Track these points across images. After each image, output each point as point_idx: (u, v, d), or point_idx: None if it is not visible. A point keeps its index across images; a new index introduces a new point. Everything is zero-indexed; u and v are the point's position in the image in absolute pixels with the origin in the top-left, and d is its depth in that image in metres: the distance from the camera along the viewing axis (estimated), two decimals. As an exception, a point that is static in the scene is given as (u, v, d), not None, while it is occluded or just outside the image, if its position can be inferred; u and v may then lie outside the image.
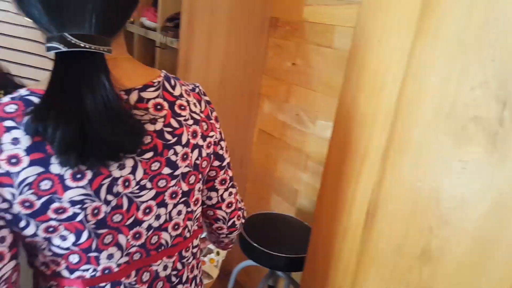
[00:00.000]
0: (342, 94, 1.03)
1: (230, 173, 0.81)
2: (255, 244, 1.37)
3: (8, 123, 0.51)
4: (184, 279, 0.74)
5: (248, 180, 2.10)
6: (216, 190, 0.80)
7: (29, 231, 0.55)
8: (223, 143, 0.77)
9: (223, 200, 0.81)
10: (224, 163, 0.79)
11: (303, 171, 1.74)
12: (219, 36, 1.69)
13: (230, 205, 0.82)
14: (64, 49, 0.48)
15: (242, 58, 1.80)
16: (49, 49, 0.49)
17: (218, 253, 1.25)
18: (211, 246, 1.16)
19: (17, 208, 0.52)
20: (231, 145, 1.91)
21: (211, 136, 0.71)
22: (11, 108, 0.52)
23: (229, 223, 0.84)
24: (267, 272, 1.57)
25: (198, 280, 0.80)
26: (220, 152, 0.76)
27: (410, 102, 0.87)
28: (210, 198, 0.80)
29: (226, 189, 0.81)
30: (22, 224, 0.54)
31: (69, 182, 0.53)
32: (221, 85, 1.79)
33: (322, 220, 1.13)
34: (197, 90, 0.72)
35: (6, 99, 0.53)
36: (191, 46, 1.64)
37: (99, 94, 0.50)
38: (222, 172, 0.79)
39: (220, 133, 0.76)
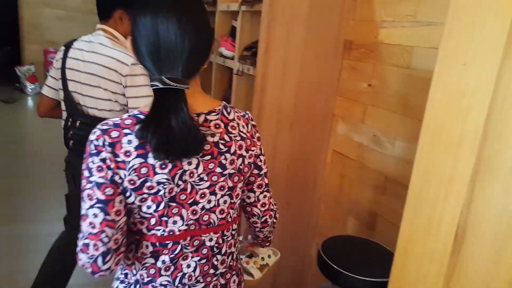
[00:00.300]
0: (427, 116, 1.02)
1: (266, 180, 1.03)
2: (335, 267, 1.37)
3: (126, 130, 0.81)
4: (222, 251, 0.97)
5: (322, 201, 2.10)
6: (254, 192, 1.02)
7: (130, 199, 0.83)
8: (262, 157, 0.99)
9: (258, 200, 1.03)
10: (262, 172, 1.00)
11: (382, 194, 1.71)
12: (294, 61, 1.76)
13: (264, 205, 1.04)
14: (161, 86, 0.77)
15: (315, 81, 1.85)
16: (152, 86, 0.78)
17: (269, 257, 1.36)
18: (258, 250, 1.30)
19: (125, 184, 0.81)
20: (304, 166, 1.95)
21: (253, 150, 0.95)
22: (128, 121, 0.82)
23: (262, 219, 1.06)
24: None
25: (234, 256, 1.01)
26: (259, 163, 0.99)
27: (499, 123, 0.85)
28: (249, 197, 1.03)
29: (261, 192, 1.02)
30: (127, 194, 0.82)
31: (157, 170, 0.81)
32: (295, 108, 1.85)
33: (406, 244, 1.11)
34: (246, 116, 0.97)
35: (126, 115, 0.83)
36: (267, 73, 1.74)
37: (180, 116, 0.77)
38: (259, 178, 1.01)
39: (260, 149, 0.98)
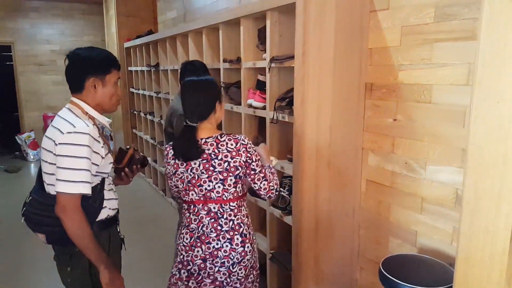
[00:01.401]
0: (471, 144, 1.25)
1: (262, 174, 1.62)
2: (402, 283, 1.55)
3: (170, 147, 1.63)
4: (224, 217, 1.59)
5: (361, 227, 2.29)
6: (256, 183, 1.63)
7: (173, 181, 1.66)
8: (254, 163, 1.59)
9: (260, 188, 1.63)
10: (257, 171, 1.60)
11: (420, 213, 1.92)
12: (325, 106, 2.01)
13: (265, 189, 1.64)
14: (186, 123, 1.58)
15: (344, 120, 2.10)
16: (185, 123, 1.58)
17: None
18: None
19: (169, 173, 1.64)
20: (342, 198, 2.15)
21: (237, 158, 1.55)
22: (170, 144, 1.65)
23: (267, 196, 1.66)
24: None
25: (235, 223, 1.59)
26: (253, 166, 1.59)
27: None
28: (254, 186, 1.63)
29: (261, 182, 1.62)
30: (171, 178, 1.65)
31: (180, 166, 1.59)
32: (330, 146, 2.08)
33: (467, 252, 1.31)
34: (239, 138, 1.59)
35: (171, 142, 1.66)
36: (305, 119, 1.97)
37: (192, 138, 1.56)
38: (256, 175, 1.61)
39: (250, 157, 1.58)
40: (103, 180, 1.53)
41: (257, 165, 1.59)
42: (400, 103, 1.95)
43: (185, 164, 1.57)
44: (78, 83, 1.48)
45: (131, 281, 1.77)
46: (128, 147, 1.75)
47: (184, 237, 1.63)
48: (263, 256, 2.53)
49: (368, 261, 2.27)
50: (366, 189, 2.23)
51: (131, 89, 5.77)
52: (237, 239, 1.59)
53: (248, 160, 1.57)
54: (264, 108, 2.36)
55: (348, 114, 2.11)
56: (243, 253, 1.59)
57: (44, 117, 7.29)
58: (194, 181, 1.57)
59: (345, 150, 2.14)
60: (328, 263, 2.21)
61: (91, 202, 1.47)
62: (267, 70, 2.22)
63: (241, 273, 1.61)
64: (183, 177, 1.59)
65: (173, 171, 1.61)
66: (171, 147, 1.63)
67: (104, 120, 1.56)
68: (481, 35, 1.21)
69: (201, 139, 1.57)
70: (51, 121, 1.52)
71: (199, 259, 1.59)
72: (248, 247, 1.61)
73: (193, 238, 1.61)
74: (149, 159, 5.12)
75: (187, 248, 1.61)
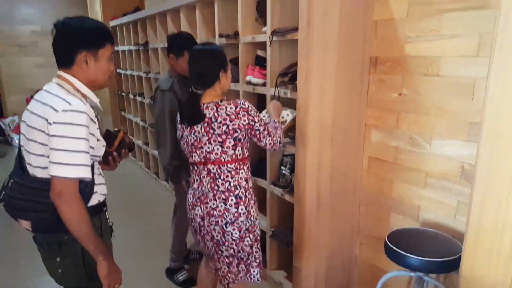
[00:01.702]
0: (487, 117, 1.22)
1: (266, 132, 1.71)
2: (407, 254, 1.54)
3: (179, 114, 1.81)
4: (221, 178, 1.68)
5: (361, 205, 2.28)
6: (261, 141, 1.72)
7: (182, 145, 1.79)
8: (256, 124, 1.67)
9: (266, 144, 1.73)
10: (261, 130, 1.69)
11: (424, 188, 1.91)
12: (330, 81, 1.96)
13: (270, 144, 1.74)
14: (191, 90, 1.69)
15: (348, 96, 2.05)
16: (189, 89, 1.70)
17: (288, 115, 2.10)
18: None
19: (178, 136, 1.81)
20: (344, 175, 2.13)
21: (236, 121, 1.62)
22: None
23: (271, 150, 1.79)
24: (415, 280, 1.72)
25: (232, 184, 1.67)
26: (256, 127, 1.67)
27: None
28: (260, 144, 1.73)
29: (266, 139, 1.72)
30: (180, 141, 1.80)
31: (185, 130, 1.72)
32: (333, 122, 2.03)
33: (478, 222, 1.29)
34: (239, 102, 1.66)
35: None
36: (309, 94, 1.92)
37: (196, 103, 1.67)
38: (261, 134, 1.70)
39: (250, 121, 1.65)
40: (93, 163, 1.40)
41: (260, 125, 1.68)
42: (406, 76, 1.91)
43: (189, 127, 1.68)
44: (68, 57, 1.34)
45: (126, 264, 1.72)
46: (116, 129, 1.62)
47: (189, 197, 1.79)
48: (263, 234, 2.50)
49: (368, 237, 2.27)
50: (368, 166, 2.20)
51: (119, 70, 5.60)
52: (231, 200, 1.67)
53: (251, 123, 1.65)
54: (264, 84, 2.29)
55: (352, 90, 2.06)
56: (236, 214, 1.67)
57: (27, 101, 7.03)
58: (196, 144, 1.68)
59: (347, 126, 2.10)
60: (329, 239, 2.20)
61: (82, 186, 1.33)
62: (267, 44, 2.15)
63: (235, 233, 1.68)
64: (187, 140, 1.71)
65: (180, 135, 1.76)
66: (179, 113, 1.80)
67: (96, 98, 1.43)
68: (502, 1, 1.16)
69: (203, 104, 1.65)
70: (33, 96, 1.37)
71: (199, 218, 1.72)
72: (242, 209, 1.67)
73: (194, 198, 1.74)
74: (139, 142, 5.01)
75: (190, 207, 1.76)
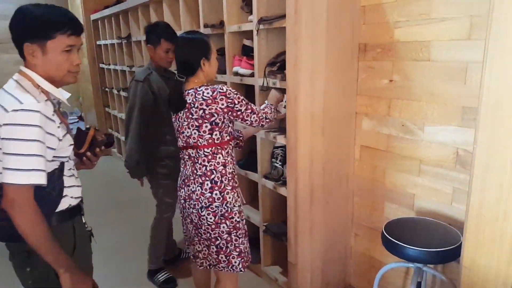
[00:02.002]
0: (485, 99, 1.19)
1: (249, 111, 1.72)
2: (406, 246, 1.51)
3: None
4: (199, 162, 1.70)
5: (355, 195, 2.25)
6: (246, 120, 1.74)
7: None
8: (237, 106, 1.67)
9: (251, 122, 1.76)
10: (243, 110, 1.69)
11: (418, 176, 1.88)
12: (319, 70, 1.91)
13: (256, 120, 1.76)
14: (177, 77, 1.71)
15: (338, 84, 2.00)
16: (177, 76, 1.71)
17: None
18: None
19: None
20: (337, 165, 2.09)
21: (213, 106, 1.62)
22: None
23: (259, 127, 1.83)
24: (414, 271, 1.70)
25: (208, 168, 1.68)
26: (236, 108, 1.67)
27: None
28: (246, 123, 1.75)
29: (250, 116, 1.73)
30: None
31: (173, 117, 1.77)
32: (324, 111, 1.98)
33: (479, 209, 1.27)
34: (217, 87, 1.65)
35: None
36: (298, 83, 1.86)
37: (179, 92, 1.69)
38: (244, 113, 1.70)
39: (229, 104, 1.64)
40: (62, 165, 1.30)
41: (241, 105, 1.68)
42: (397, 62, 1.87)
43: (175, 114, 1.74)
44: (18, 49, 1.22)
45: (108, 267, 1.65)
46: (88, 127, 1.49)
47: (179, 180, 1.85)
48: (256, 229, 2.46)
49: (362, 228, 2.25)
50: (360, 155, 2.17)
51: (101, 65, 5.46)
52: (207, 184, 1.69)
53: (230, 105, 1.65)
54: (252, 75, 2.23)
55: (341, 78, 2.01)
56: (210, 199, 1.68)
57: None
58: (179, 129, 1.73)
59: (338, 115, 2.06)
60: (323, 232, 2.16)
61: (48, 190, 1.24)
62: (254, 33, 2.08)
63: (210, 218, 1.69)
64: (174, 126, 1.77)
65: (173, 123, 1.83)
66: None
67: (60, 94, 1.28)
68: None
69: (186, 91, 1.68)
70: None
71: (182, 199, 1.78)
72: (216, 194, 1.68)
73: (181, 181, 1.81)
74: (123, 138, 4.90)
75: (178, 189, 1.82)
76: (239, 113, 1.68)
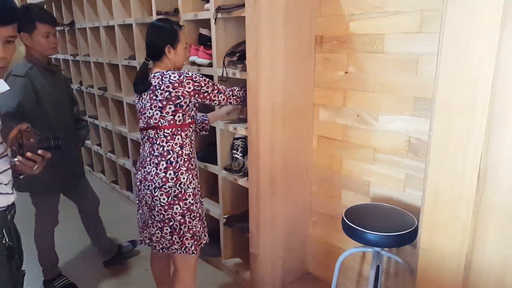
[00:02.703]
0: (440, 87, 1.26)
1: (215, 91, 1.78)
2: (366, 231, 1.58)
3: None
4: (157, 143, 1.71)
5: (313, 183, 2.30)
6: (214, 100, 1.79)
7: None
8: (204, 88, 1.72)
9: (220, 101, 1.82)
10: (209, 91, 1.75)
11: (373, 164, 1.97)
12: (278, 60, 1.91)
13: (224, 99, 1.83)
14: (144, 60, 1.75)
15: (296, 76, 2.03)
16: (145, 59, 1.77)
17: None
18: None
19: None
20: (296, 156, 2.12)
21: (180, 89, 1.66)
22: None
23: (227, 104, 1.89)
24: (373, 255, 1.77)
25: (165, 149, 1.69)
26: (203, 90, 1.72)
27: (505, 86, 1.11)
28: (214, 103, 1.81)
29: (217, 96, 1.79)
30: None
31: (136, 98, 1.77)
32: (284, 103, 2.00)
33: (434, 194, 1.35)
34: (183, 71, 1.69)
35: None
36: (259, 74, 1.86)
37: (144, 74, 1.72)
38: (211, 94, 1.76)
39: (195, 87, 1.69)
40: None
41: (208, 87, 1.74)
42: (352, 55, 1.92)
43: (139, 96, 1.74)
44: None
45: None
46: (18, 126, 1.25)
47: (137, 163, 1.85)
48: (216, 222, 2.44)
49: (320, 215, 2.31)
50: (317, 145, 2.22)
51: (40, 54, 5.06)
52: (162, 164, 1.69)
53: (197, 88, 1.70)
54: (210, 65, 2.18)
55: (299, 69, 2.03)
56: (164, 179, 1.68)
57: None
58: (142, 110, 1.74)
59: (297, 106, 2.08)
60: (283, 221, 2.20)
61: None
62: (212, 22, 2.04)
63: (163, 199, 1.68)
64: (137, 108, 1.79)
65: (136, 102, 1.82)
66: None
67: None
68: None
69: (151, 74, 1.71)
70: None
71: (138, 181, 1.79)
72: (170, 174, 1.68)
73: (139, 163, 1.81)
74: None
75: (136, 172, 1.82)
76: (206, 94, 1.74)
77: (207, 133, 2.03)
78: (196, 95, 1.70)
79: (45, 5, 4.52)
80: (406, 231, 1.57)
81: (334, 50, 2.00)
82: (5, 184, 1.21)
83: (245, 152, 2.20)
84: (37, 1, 4.59)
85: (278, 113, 1.99)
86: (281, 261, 2.25)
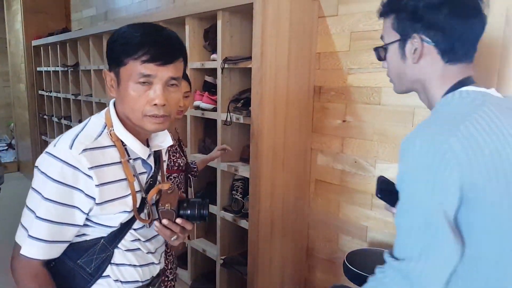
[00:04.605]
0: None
1: None
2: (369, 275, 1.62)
3: None
4: None
5: (310, 227, 2.35)
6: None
7: None
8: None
9: None
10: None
11: (370, 209, 2.04)
12: (280, 107, 2.04)
13: None
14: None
15: (296, 122, 2.14)
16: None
17: None
18: None
19: None
20: (294, 199, 2.19)
21: None
22: None
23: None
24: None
25: None
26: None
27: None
28: None
29: None
30: None
31: None
32: (284, 147, 2.10)
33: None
34: None
35: None
36: (263, 119, 1.97)
37: None
38: None
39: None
40: (116, 234, 0.99)
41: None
42: (350, 105, 2.06)
43: None
44: None
45: None
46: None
47: None
48: (213, 262, 2.44)
49: (318, 259, 2.34)
50: (315, 189, 2.29)
51: (40, 92, 5.17)
52: None
53: None
54: (214, 110, 2.30)
55: (299, 116, 2.16)
56: None
57: None
58: None
59: (296, 151, 2.18)
60: (281, 264, 2.22)
61: (81, 263, 0.97)
62: (219, 71, 2.17)
63: None
64: None
65: None
66: None
67: (138, 147, 1.00)
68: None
69: None
70: None
71: None
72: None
73: None
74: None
75: None
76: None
77: (196, 178, 2.08)
78: None
79: (50, 47, 4.70)
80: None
81: (332, 100, 2.13)
82: (151, 253, 1.08)
83: (244, 194, 2.25)
84: (44, 42, 4.77)
85: (279, 156, 2.08)
86: (278, 304, 2.24)
